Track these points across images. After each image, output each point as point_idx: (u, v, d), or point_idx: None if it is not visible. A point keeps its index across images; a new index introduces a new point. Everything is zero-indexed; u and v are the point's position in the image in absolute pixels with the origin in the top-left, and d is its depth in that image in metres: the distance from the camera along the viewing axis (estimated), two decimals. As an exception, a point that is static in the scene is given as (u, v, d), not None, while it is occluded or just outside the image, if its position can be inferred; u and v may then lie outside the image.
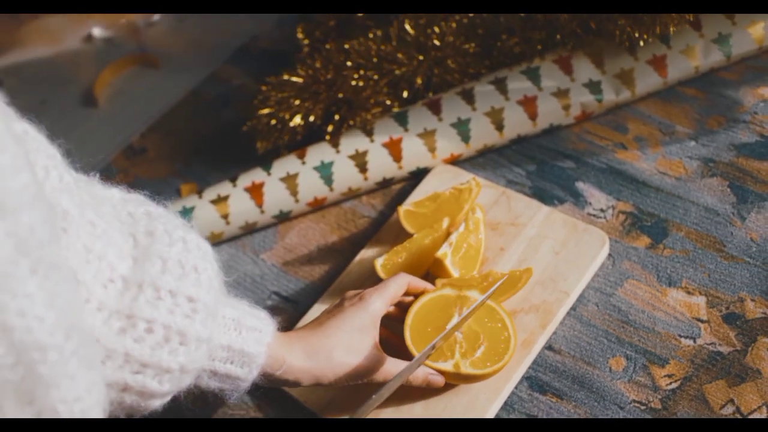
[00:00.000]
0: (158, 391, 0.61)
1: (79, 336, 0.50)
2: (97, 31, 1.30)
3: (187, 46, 1.27)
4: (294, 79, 1.01)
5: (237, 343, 0.67)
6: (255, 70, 1.19)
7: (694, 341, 0.79)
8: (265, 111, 1.00)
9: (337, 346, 0.73)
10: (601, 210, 0.91)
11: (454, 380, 0.77)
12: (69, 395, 0.50)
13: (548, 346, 0.82)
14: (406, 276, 0.80)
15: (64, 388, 0.49)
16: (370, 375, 0.74)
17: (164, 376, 0.61)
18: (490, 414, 0.77)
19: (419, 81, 0.99)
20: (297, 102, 0.99)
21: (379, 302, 0.76)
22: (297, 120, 0.99)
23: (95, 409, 0.54)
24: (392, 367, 0.75)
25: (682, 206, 0.88)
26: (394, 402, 0.79)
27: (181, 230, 0.64)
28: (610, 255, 0.86)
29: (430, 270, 0.85)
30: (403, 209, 0.89)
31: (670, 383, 0.77)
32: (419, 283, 0.80)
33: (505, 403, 0.79)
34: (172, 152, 1.12)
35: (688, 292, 0.82)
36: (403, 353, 0.77)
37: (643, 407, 0.76)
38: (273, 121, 1.00)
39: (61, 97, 1.22)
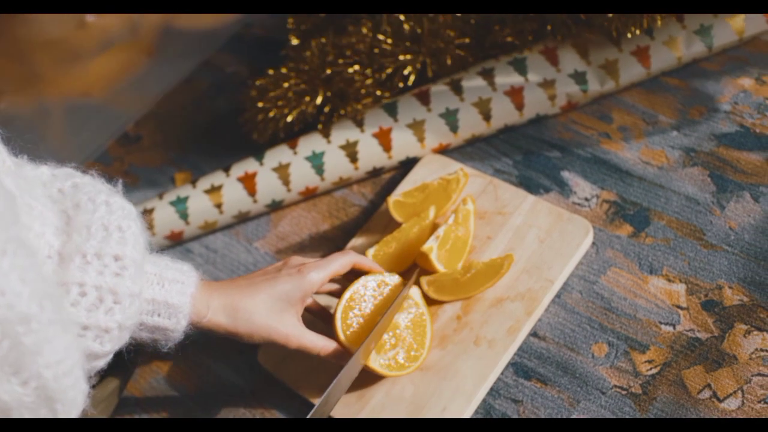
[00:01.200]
0: (101, 352, 0.64)
1: (50, 303, 0.54)
2: (91, 18, 1.29)
3: (180, 34, 1.27)
4: (285, 71, 1.01)
5: (161, 295, 0.69)
6: (248, 58, 1.20)
7: (674, 328, 0.80)
8: (260, 105, 1.00)
9: (259, 310, 0.74)
10: (586, 199, 0.92)
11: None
12: (52, 359, 0.54)
13: (533, 333, 0.83)
14: (354, 255, 0.81)
15: (46, 353, 0.53)
16: (286, 343, 0.76)
17: (104, 337, 0.63)
18: (478, 398, 0.79)
19: (408, 71, 0.99)
20: (291, 95, 0.99)
21: (317, 277, 0.77)
22: (293, 115, 0.99)
23: (76, 370, 0.58)
24: (310, 339, 0.77)
25: (664, 195, 0.90)
26: (385, 384, 0.81)
27: (105, 195, 0.66)
28: (594, 243, 0.88)
29: (417, 261, 0.86)
30: (392, 199, 0.90)
31: (651, 369, 0.79)
32: (365, 263, 0.82)
33: (492, 389, 0.81)
34: (167, 140, 1.13)
35: (669, 280, 0.83)
36: (329, 332, 0.79)
37: (624, 392, 0.78)
38: (272, 113, 1.00)
39: (55, 85, 1.22)
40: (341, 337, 0.78)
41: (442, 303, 0.85)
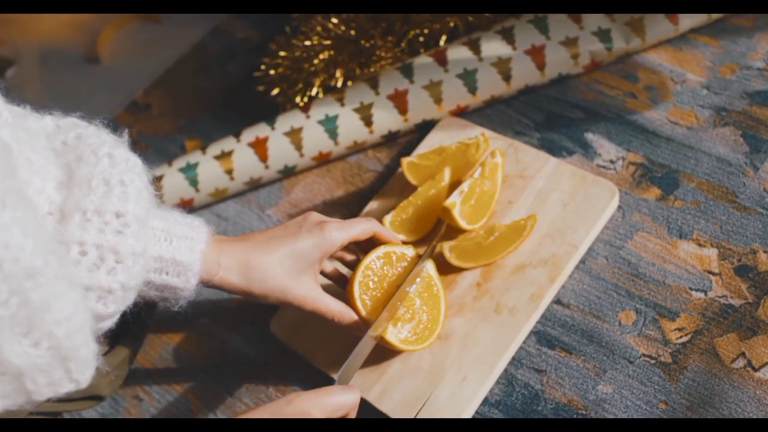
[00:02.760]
0: (105, 313, 0.60)
1: (55, 257, 0.51)
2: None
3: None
4: (296, 42, 0.97)
5: (168, 252, 0.65)
6: (259, 23, 1.15)
7: (705, 294, 0.76)
8: (278, 70, 0.95)
9: (275, 269, 0.69)
10: (611, 161, 0.87)
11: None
12: (61, 315, 0.51)
13: (557, 300, 0.79)
14: (376, 223, 0.76)
15: (55, 309, 0.51)
16: (301, 305, 0.71)
17: (108, 298, 0.59)
18: (499, 368, 0.75)
19: (436, 32, 0.94)
20: (307, 65, 0.94)
21: (338, 237, 0.72)
22: (320, 78, 0.95)
23: (86, 328, 0.55)
24: (327, 304, 0.72)
25: (694, 156, 0.85)
26: (402, 354, 0.77)
27: (108, 147, 0.62)
28: (620, 207, 0.83)
29: (440, 217, 0.82)
30: (406, 161, 0.85)
31: (681, 337, 0.74)
32: (385, 234, 0.77)
33: (513, 358, 0.77)
34: (177, 108, 1.09)
35: (700, 244, 0.79)
36: (345, 297, 0.75)
37: (652, 361, 0.73)
38: (298, 84, 0.95)
39: (63, 55, 1.19)
40: (359, 305, 0.73)
41: (462, 270, 0.81)
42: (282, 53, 0.98)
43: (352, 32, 0.97)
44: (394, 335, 0.74)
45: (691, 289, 0.76)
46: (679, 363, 0.72)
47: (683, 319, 0.75)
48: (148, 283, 0.66)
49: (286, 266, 0.70)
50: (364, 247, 0.77)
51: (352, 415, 0.66)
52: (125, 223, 0.60)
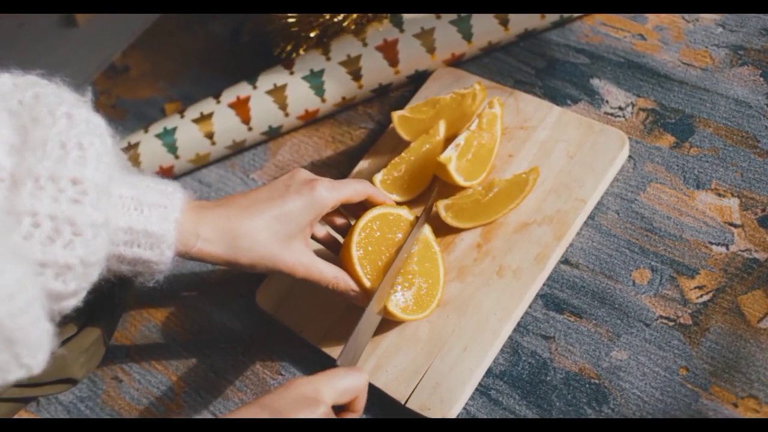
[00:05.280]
0: (65, 292, 0.52)
1: None
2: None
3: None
4: None
5: (139, 223, 0.57)
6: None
7: (727, 248, 0.67)
8: (291, 19, 0.85)
9: (262, 235, 0.61)
10: (620, 108, 0.78)
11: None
12: (1, 293, 0.45)
13: (564, 260, 0.71)
14: (368, 185, 0.68)
15: None
16: (292, 272, 0.63)
17: (67, 275, 0.52)
18: (503, 335, 0.67)
19: None
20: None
21: (329, 197, 0.64)
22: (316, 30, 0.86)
23: (34, 308, 0.49)
24: (320, 269, 0.64)
25: (710, 100, 0.76)
26: (397, 324, 0.69)
27: (67, 106, 0.54)
28: (630, 157, 0.74)
29: (436, 173, 0.73)
30: (397, 115, 0.77)
31: (702, 296, 0.66)
32: (379, 196, 0.69)
33: (519, 324, 0.69)
34: (156, 70, 1.00)
35: (719, 194, 0.70)
36: (338, 261, 0.67)
37: (671, 323, 0.65)
38: (294, 28, 0.85)
39: (39, 19, 1.10)
40: (358, 269, 0.65)
41: (460, 231, 0.73)
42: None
43: None
44: (394, 305, 0.66)
45: (711, 243, 0.68)
46: (700, 324, 0.64)
47: (703, 276, 0.67)
48: (118, 258, 0.58)
49: (274, 231, 0.62)
50: (354, 211, 0.69)
51: (363, 398, 0.59)
52: (83, 190, 0.52)
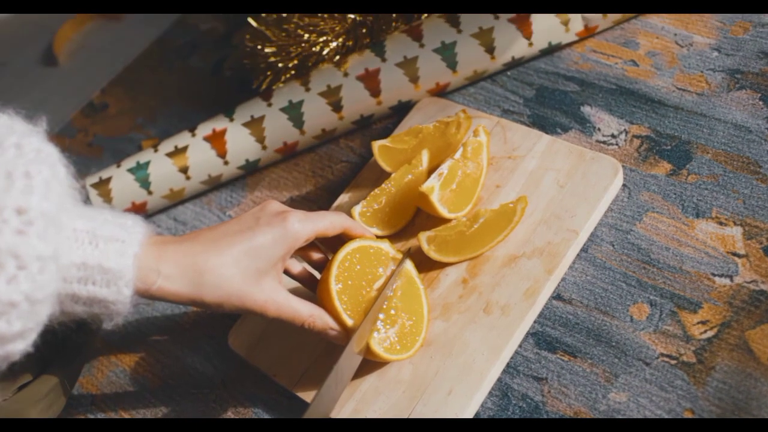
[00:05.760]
0: (8, 333, 0.48)
1: None
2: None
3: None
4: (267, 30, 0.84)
5: (93, 257, 0.52)
6: (224, 14, 1.03)
7: (731, 280, 0.62)
8: (269, 50, 0.82)
9: (230, 272, 0.56)
10: (612, 135, 0.74)
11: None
12: None
13: (556, 296, 0.66)
14: (345, 217, 0.64)
15: None
16: (263, 312, 0.58)
17: (11, 313, 0.47)
18: (491, 377, 0.62)
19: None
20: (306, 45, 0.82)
21: (302, 230, 0.59)
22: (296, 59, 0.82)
23: None
24: (294, 307, 0.59)
25: (707, 125, 0.71)
26: (378, 365, 0.64)
27: (17, 136, 0.50)
28: (625, 186, 0.70)
29: (419, 205, 0.69)
30: (378, 144, 0.73)
31: (705, 331, 0.60)
32: (357, 229, 0.64)
33: (508, 365, 0.63)
34: (135, 106, 0.97)
35: (720, 223, 0.65)
36: (315, 300, 0.62)
37: (673, 361, 0.60)
38: (273, 58, 0.82)
39: (20, 58, 1.07)
40: (337, 305, 0.60)
41: (444, 266, 0.68)
42: (269, 33, 0.84)
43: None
44: (377, 343, 0.61)
45: (713, 275, 0.63)
46: (705, 363, 0.59)
47: (707, 310, 0.61)
48: (72, 297, 0.53)
49: (243, 266, 0.57)
50: (332, 245, 0.65)
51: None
52: (28, 220, 0.48)
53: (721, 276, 0.63)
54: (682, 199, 0.68)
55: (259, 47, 0.83)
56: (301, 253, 0.65)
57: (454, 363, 0.62)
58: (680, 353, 0.60)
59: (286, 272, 0.64)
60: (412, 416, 0.61)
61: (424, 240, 0.66)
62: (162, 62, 1.01)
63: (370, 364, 0.64)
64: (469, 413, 0.60)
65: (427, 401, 0.61)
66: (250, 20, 0.85)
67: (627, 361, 0.61)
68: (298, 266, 0.65)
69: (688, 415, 0.57)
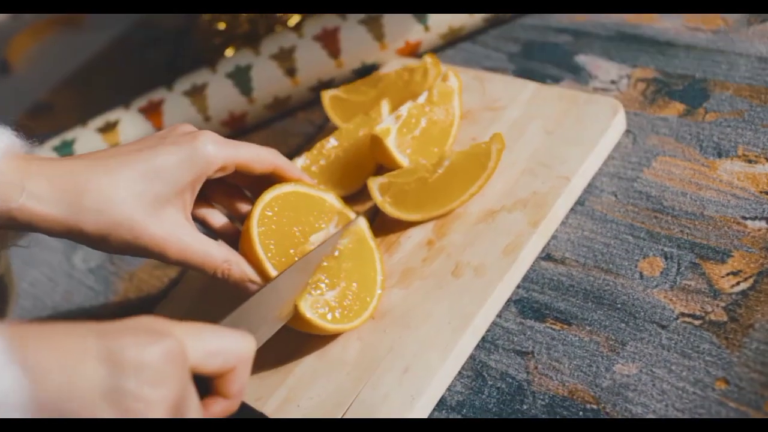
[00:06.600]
0: None
1: None
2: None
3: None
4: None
5: None
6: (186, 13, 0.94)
7: (767, 222, 0.48)
8: (221, 26, 0.73)
9: (119, 191, 0.44)
10: (612, 82, 0.62)
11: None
12: None
13: (545, 256, 0.52)
14: (278, 154, 0.51)
15: None
16: (162, 252, 0.46)
17: None
18: (459, 351, 0.47)
19: None
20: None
21: (216, 153, 0.47)
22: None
23: None
24: (204, 248, 0.47)
25: (726, 61, 0.59)
26: (316, 342, 0.50)
27: None
28: (629, 131, 0.57)
29: (376, 157, 0.56)
30: (329, 95, 0.61)
31: (738, 283, 0.46)
32: (294, 172, 0.52)
33: (483, 339, 0.49)
34: (84, 104, 0.87)
35: (749, 161, 0.52)
36: (231, 241, 0.50)
37: (698, 322, 0.45)
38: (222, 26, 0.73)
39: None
40: (260, 253, 0.48)
41: (406, 227, 0.55)
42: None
43: None
44: (309, 307, 0.47)
45: (744, 218, 0.49)
46: (739, 320, 0.44)
47: (738, 259, 0.47)
48: None
49: (138, 191, 0.45)
50: (261, 192, 0.52)
51: (240, 378, 0.39)
52: None
53: (754, 219, 0.49)
54: (699, 140, 0.55)
55: (212, 26, 0.74)
56: (225, 202, 0.52)
57: (412, 336, 0.48)
58: (706, 311, 0.46)
59: (206, 225, 0.52)
60: (356, 402, 0.46)
61: (376, 189, 0.53)
62: (117, 61, 0.92)
63: (306, 342, 0.50)
64: (429, 396, 0.46)
65: (377, 383, 0.47)
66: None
67: (636, 325, 0.46)
68: (220, 219, 0.52)
69: (720, 385, 0.42)
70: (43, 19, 1.01)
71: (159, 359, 0.34)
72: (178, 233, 0.46)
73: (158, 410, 0.33)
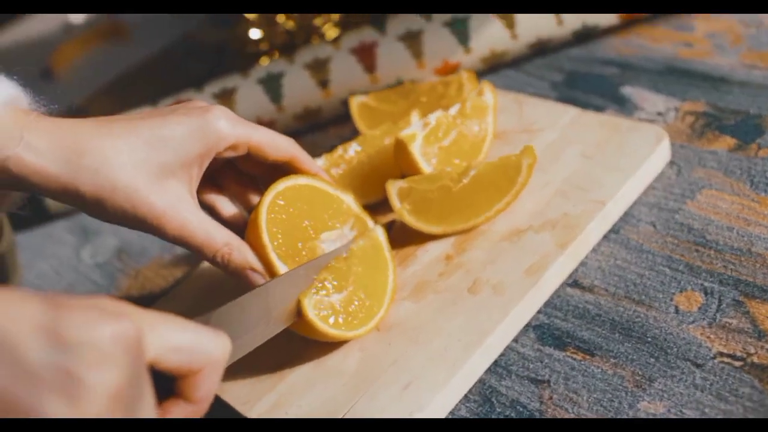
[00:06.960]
0: None
1: None
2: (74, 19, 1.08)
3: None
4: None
5: None
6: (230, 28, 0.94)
7: (823, 263, 0.43)
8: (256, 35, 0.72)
9: (120, 155, 0.41)
10: (659, 113, 0.58)
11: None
12: None
13: (572, 282, 0.48)
14: (296, 144, 0.48)
15: None
16: (160, 226, 0.42)
17: None
18: (467, 372, 0.43)
19: None
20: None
21: (228, 128, 0.44)
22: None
23: None
24: (204, 228, 0.43)
25: (784, 99, 0.55)
26: (316, 349, 0.46)
27: None
28: (673, 162, 0.53)
29: (396, 159, 0.53)
30: (357, 101, 0.58)
31: (786, 324, 0.41)
32: (311, 165, 0.49)
33: (496, 363, 0.45)
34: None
35: (805, 199, 0.47)
36: (238, 232, 0.46)
37: (738, 363, 0.40)
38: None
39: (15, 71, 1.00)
40: (266, 241, 0.44)
41: (424, 240, 0.51)
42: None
43: None
44: (312, 307, 0.43)
45: (796, 256, 0.44)
46: (786, 364, 0.39)
47: (787, 299, 0.42)
48: None
49: (141, 157, 0.42)
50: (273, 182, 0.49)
51: (208, 382, 0.34)
52: None
53: (807, 258, 0.44)
54: (751, 175, 0.50)
55: (247, 33, 0.73)
56: (235, 190, 0.49)
57: (419, 351, 0.44)
58: (749, 352, 0.41)
59: (214, 212, 0.49)
60: (350, 414, 0.42)
61: (394, 193, 0.50)
62: (158, 72, 0.91)
63: (305, 348, 0.46)
64: (429, 414, 0.41)
65: (375, 396, 0.42)
66: (246, 16, 0.76)
67: (668, 361, 0.42)
68: (230, 207, 0.49)
69: (760, 432, 0.37)
70: (91, 31, 1.02)
71: (106, 340, 0.29)
72: (179, 207, 0.43)
73: (97, 396, 0.29)
